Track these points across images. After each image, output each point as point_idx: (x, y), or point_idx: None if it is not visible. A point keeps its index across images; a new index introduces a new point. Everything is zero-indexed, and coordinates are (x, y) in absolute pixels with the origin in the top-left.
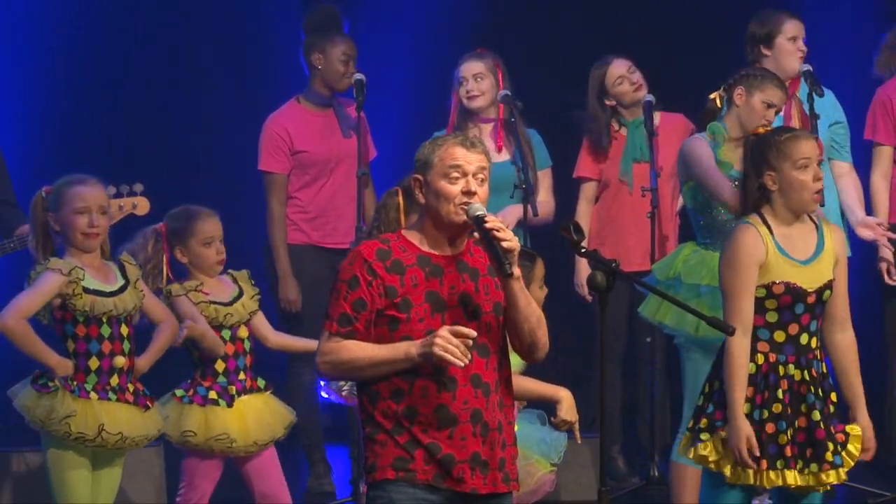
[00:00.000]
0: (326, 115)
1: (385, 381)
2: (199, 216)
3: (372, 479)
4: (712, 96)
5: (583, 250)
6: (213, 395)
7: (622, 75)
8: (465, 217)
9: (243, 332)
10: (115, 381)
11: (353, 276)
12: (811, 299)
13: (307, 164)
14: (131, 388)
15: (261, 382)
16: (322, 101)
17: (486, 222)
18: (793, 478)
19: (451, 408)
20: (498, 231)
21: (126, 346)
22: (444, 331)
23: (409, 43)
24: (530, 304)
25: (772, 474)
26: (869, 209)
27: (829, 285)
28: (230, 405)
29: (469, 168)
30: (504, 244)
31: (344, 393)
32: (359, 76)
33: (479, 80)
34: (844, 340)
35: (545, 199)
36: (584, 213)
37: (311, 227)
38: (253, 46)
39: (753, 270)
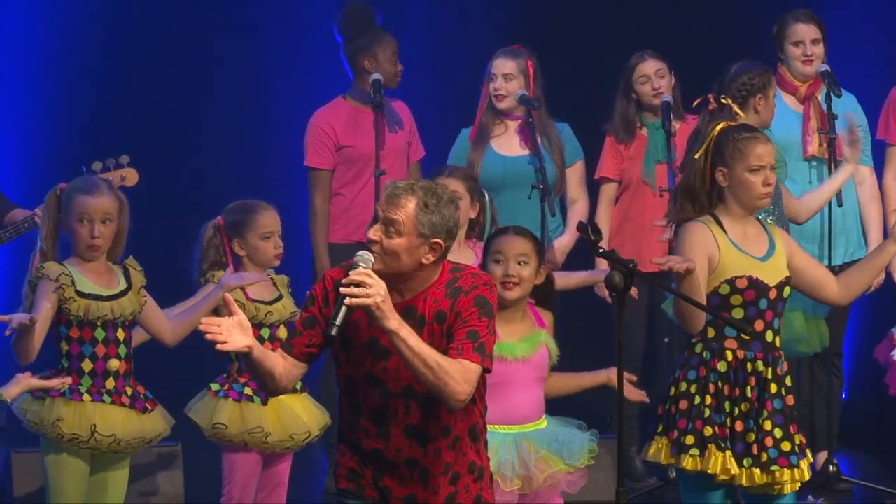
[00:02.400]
0: (370, 111)
1: (344, 405)
2: (257, 209)
3: (336, 485)
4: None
5: (601, 251)
6: (248, 391)
7: (647, 75)
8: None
9: (283, 333)
10: (110, 384)
11: (312, 294)
12: (773, 294)
13: (352, 159)
14: (129, 391)
15: (297, 383)
16: (368, 98)
17: (348, 276)
18: (758, 476)
19: (385, 453)
20: (350, 286)
21: (122, 350)
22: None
23: (440, 37)
24: (418, 356)
25: (735, 470)
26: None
27: (787, 281)
28: (265, 403)
29: (380, 215)
30: (347, 301)
31: None
32: (375, 76)
33: (508, 80)
34: (838, 279)
35: (577, 197)
36: (605, 214)
37: (356, 224)
38: (274, 43)
39: (703, 257)
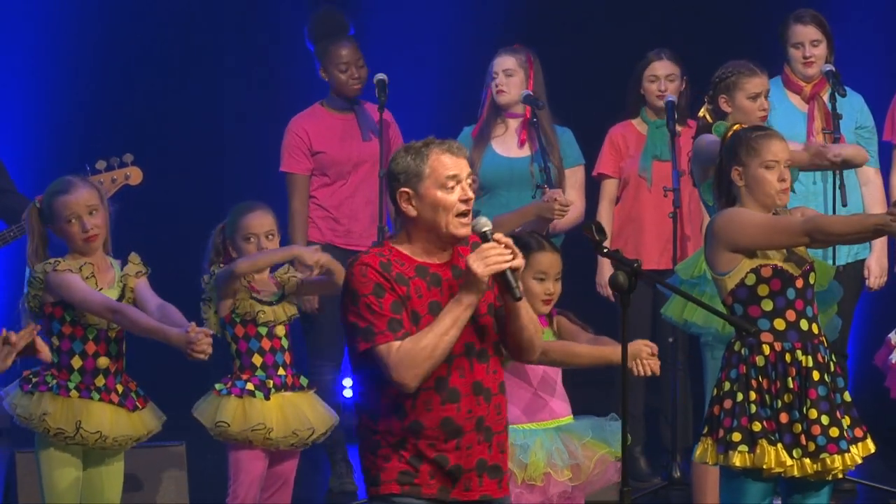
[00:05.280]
0: (347, 118)
1: (383, 397)
2: (243, 210)
3: (375, 491)
4: (700, 114)
5: (605, 251)
6: (250, 386)
7: (657, 76)
8: (467, 230)
9: (280, 331)
10: (100, 381)
11: (375, 284)
12: (799, 283)
13: (325, 165)
14: (120, 388)
15: (303, 381)
16: (342, 105)
17: (493, 239)
18: (809, 466)
19: (455, 419)
20: (506, 250)
21: (113, 348)
22: (494, 240)
23: (439, 38)
24: (529, 311)
25: (789, 462)
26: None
27: (812, 267)
28: (267, 398)
29: (462, 175)
30: (512, 264)
31: None
32: (380, 76)
33: (508, 76)
34: None
35: (574, 200)
36: (606, 212)
37: (328, 227)
38: (270, 47)
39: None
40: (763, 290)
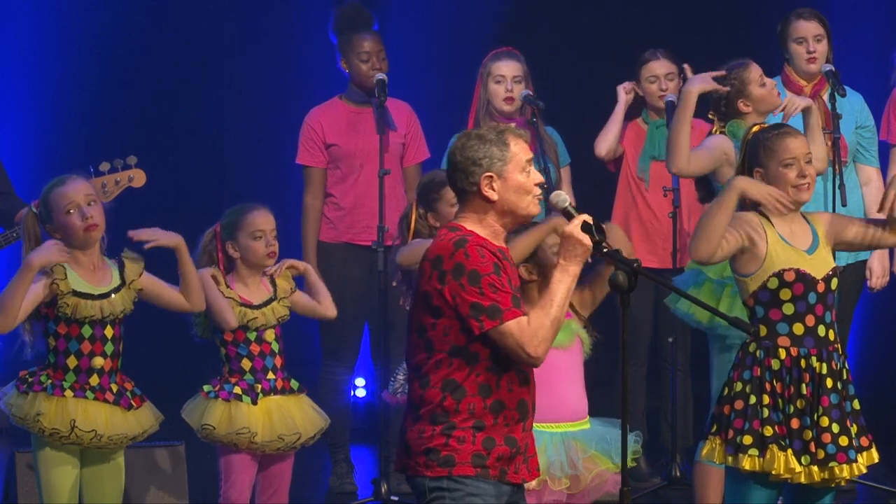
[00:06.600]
0: (363, 111)
1: (473, 375)
2: (246, 209)
3: (445, 472)
4: (714, 130)
5: (604, 250)
6: (238, 390)
7: (657, 75)
8: (539, 209)
9: (270, 335)
10: (94, 380)
11: (493, 263)
12: (821, 288)
13: (337, 158)
14: (115, 388)
15: (294, 384)
16: (360, 98)
17: (577, 212)
18: (817, 474)
19: (527, 402)
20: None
21: (109, 347)
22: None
23: (431, 38)
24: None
25: (798, 468)
26: None
27: (835, 272)
28: (254, 402)
29: (532, 159)
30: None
31: (398, 395)
32: (380, 76)
33: (517, 82)
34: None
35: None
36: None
37: (345, 225)
38: (272, 48)
39: (744, 234)
40: (785, 293)
